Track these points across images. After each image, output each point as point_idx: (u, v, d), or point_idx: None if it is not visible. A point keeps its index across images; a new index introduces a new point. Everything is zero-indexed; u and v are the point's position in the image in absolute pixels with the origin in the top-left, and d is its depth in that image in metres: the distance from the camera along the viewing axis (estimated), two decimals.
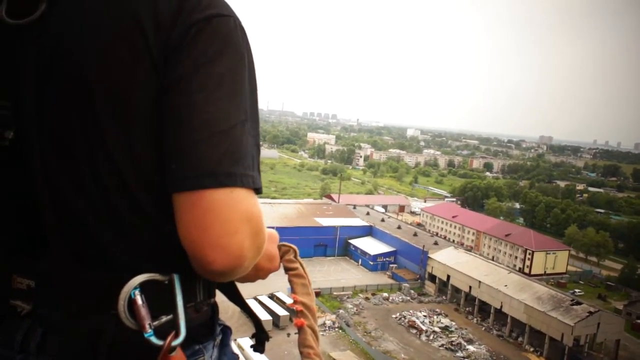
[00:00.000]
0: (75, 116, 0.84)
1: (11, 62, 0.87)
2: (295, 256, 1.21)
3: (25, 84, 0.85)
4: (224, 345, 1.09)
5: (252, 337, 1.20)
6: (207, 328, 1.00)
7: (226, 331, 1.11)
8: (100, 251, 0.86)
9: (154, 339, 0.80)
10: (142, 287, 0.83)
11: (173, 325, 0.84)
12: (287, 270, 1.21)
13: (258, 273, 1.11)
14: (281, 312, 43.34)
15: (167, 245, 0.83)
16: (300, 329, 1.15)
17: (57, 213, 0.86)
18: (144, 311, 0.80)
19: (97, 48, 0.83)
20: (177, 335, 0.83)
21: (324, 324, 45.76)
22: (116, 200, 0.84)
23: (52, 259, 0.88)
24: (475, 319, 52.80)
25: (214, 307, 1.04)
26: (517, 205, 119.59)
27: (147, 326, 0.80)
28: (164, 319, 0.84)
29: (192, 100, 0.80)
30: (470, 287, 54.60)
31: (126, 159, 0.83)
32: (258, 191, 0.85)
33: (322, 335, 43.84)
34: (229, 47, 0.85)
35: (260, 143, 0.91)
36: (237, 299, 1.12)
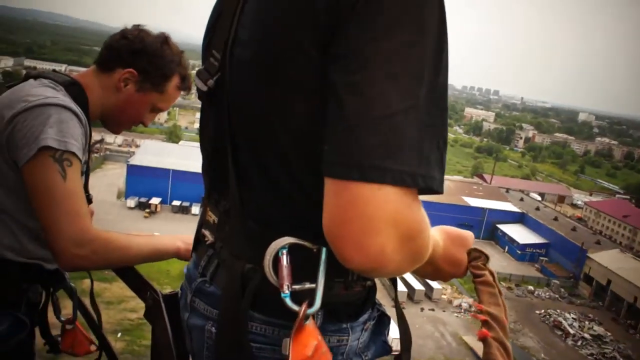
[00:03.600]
0: (248, 76, 0.87)
1: (230, 21, 0.93)
2: (484, 263, 1.10)
3: (228, 42, 0.92)
4: (377, 334, 1.05)
5: (395, 358, 1.11)
6: (356, 309, 0.97)
7: (383, 319, 1.06)
8: (261, 207, 0.90)
9: (288, 301, 0.80)
10: (291, 250, 0.83)
11: (311, 294, 0.83)
12: (474, 276, 1.10)
13: (438, 274, 1.08)
14: (417, 285, 43.23)
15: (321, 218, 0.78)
16: (484, 342, 0.99)
17: (233, 162, 0.92)
18: (285, 271, 0.81)
19: (268, 10, 0.84)
20: (310, 305, 0.81)
21: (459, 305, 44.64)
22: (274, 164, 0.86)
23: (229, 202, 0.96)
24: (638, 335, 46.76)
25: (370, 290, 1.00)
26: None
27: (285, 287, 0.81)
28: (307, 286, 0.83)
29: (351, 79, 0.71)
30: (635, 298, 48.28)
31: (284, 123, 0.83)
32: (429, 191, 0.74)
33: (457, 316, 42.87)
34: (408, 15, 0.71)
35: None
36: (393, 287, 1.12)
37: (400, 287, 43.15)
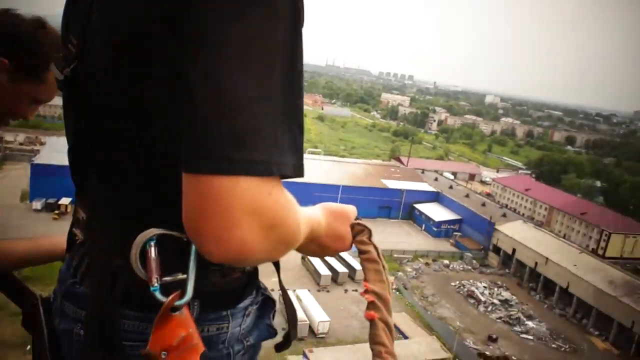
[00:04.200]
0: (101, 65, 0.82)
1: (85, 3, 0.87)
2: (369, 237, 1.11)
3: (85, 26, 0.86)
4: (261, 317, 1.04)
5: (284, 336, 1.09)
6: (236, 295, 0.96)
7: (268, 303, 1.06)
8: (126, 201, 0.87)
9: (158, 294, 0.77)
10: (161, 241, 0.79)
11: (184, 285, 0.80)
12: (359, 252, 1.10)
13: (325, 251, 1.07)
14: (340, 268, 44.45)
15: None
16: (371, 323, 1.01)
17: (94, 155, 0.89)
18: (154, 264, 0.78)
19: None
20: (182, 295, 0.79)
21: None
22: (134, 158, 0.83)
23: (94, 198, 0.92)
24: (538, 296, 51.53)
25: (251, 275, 1.00)
26: (598, 184, 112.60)
27: (154, 280, 0.77)
28: (179, 276, 0.81)
29: (200, 69, 0.68)
30: (536, 263, 53.03)
31: (139, 116, 0.80)
32: (285, 177, 0.73)
33: None
34: (259, 2, 0.69)
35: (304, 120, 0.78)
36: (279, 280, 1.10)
37: (325, 271, 44.28)
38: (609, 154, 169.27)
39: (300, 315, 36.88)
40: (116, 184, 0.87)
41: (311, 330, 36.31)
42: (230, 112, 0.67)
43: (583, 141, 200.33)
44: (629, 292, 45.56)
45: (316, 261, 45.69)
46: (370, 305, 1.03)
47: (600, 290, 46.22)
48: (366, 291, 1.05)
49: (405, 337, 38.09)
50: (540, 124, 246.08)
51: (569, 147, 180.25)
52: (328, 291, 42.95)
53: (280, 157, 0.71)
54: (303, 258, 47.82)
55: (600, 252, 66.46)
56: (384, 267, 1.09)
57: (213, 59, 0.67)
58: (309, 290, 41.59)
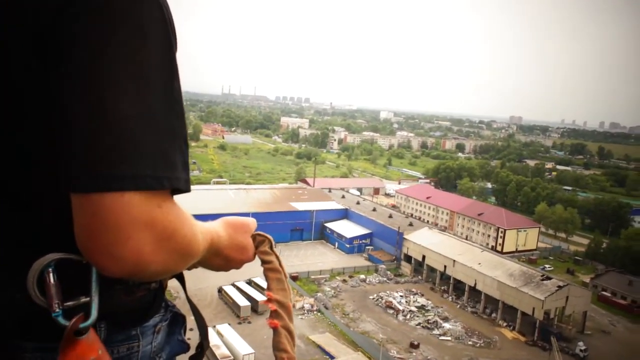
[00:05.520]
0: None
1: None
2: (271, 247, 1.15)
3: None
4: (171, 334, 1.05)
5: (197, 347, 1.09)
6: (144, 313, 0.97)
7: (177, 319, 1.07)
8: (18, 230, 0.85)
9: (60, 319, 0.76)
10: (61, 266, 0.78)
11: (88, 307, 0.80)
12: (262, 262, 1.15)
13: (229, 264, 1.08)
14: (259, 297, 43.50)
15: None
16: (274, 331, 1.07)
17: None
18: (53, 290, 0.77)
19: None
20: (86, 317, 0.78)
21: (302, 307, 46.12)
22: (18, 184, 0.83)
23: None
24: (450, 297, 54.09)
25: (157, 293, 0.99)
26: (489, 185, 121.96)
27: (55, 305, 0.76)
28: (83, 300, 0.80)
29: (75, 90, 0.70)
30: (445, 267, 55.78)
31: (16, 140, 0.80)
32: (177, 191, 0.77)
33: (301, 318, 44.27)
34: (126, 24, 0.72)
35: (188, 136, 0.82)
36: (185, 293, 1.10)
37: (243, 301, 42.93)
38: (494, 156, 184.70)
39: (224, 351, 35.39)
40: (7, 213, 0.85)
41: None
42: (111, 129, 0.69)
43: (471, 147, 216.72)
44: (526, 282, 49.41)
45: (234, 293, 44.42)
46: (273, 314, 1.08)
47: (503, 284, 49.67)
48: (269, 300, 1.09)
49: (332, 358, 37.93)
50: (432, 134, 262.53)
51: (460, 154, 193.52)
52: (249, 322, 41.78)
53: (170, 172, 0.74)
54: (220, 291, 46.41)
55: (498, 248, 71.64)
56: (285, 276, 1.14)
57: (88, 82, 0.69)
58: (229, 324, 40.11)
